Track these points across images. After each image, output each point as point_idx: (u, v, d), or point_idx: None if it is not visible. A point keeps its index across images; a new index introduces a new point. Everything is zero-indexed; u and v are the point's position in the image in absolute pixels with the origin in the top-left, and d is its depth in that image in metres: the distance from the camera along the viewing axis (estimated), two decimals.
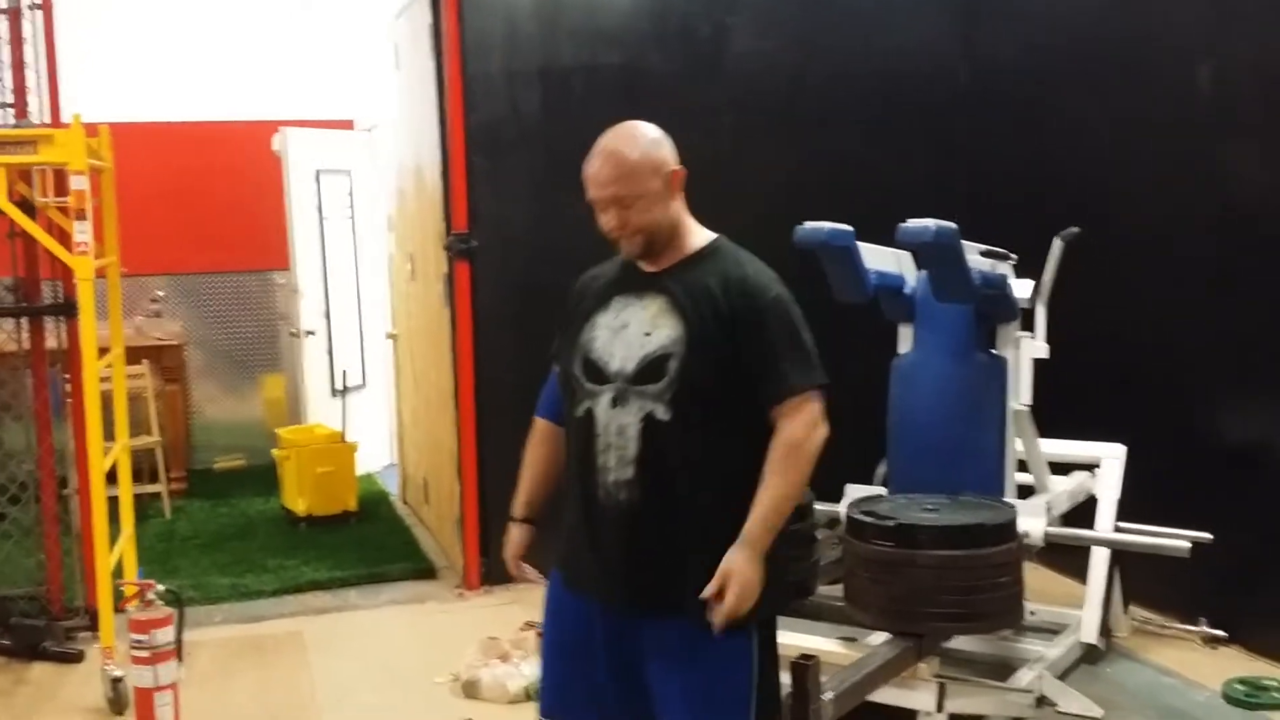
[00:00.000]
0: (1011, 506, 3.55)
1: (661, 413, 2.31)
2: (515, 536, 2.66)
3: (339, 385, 7.34)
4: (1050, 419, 4.18)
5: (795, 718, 2.62)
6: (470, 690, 4.07)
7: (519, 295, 5.22)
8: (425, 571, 5.59)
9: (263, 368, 7.84)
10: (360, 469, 6.75)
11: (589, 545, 2.42)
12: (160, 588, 3.84)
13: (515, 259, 5.22)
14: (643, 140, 2.37)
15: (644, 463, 2.32)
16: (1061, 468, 4.40)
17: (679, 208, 2.42)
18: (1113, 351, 4.75)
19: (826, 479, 3.77)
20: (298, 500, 6.35)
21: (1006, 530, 3.29)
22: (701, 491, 2.34)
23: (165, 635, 3.66)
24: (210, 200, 7.50)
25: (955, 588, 3.19)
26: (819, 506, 3.62)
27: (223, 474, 7.56)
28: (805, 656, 2.65)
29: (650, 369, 2.32)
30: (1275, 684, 3.92)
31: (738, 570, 2.25)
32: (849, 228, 3.78)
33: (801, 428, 2.32)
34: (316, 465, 6.34)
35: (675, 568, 2.34)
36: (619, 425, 2.34)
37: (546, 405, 2.66)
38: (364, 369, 7.91)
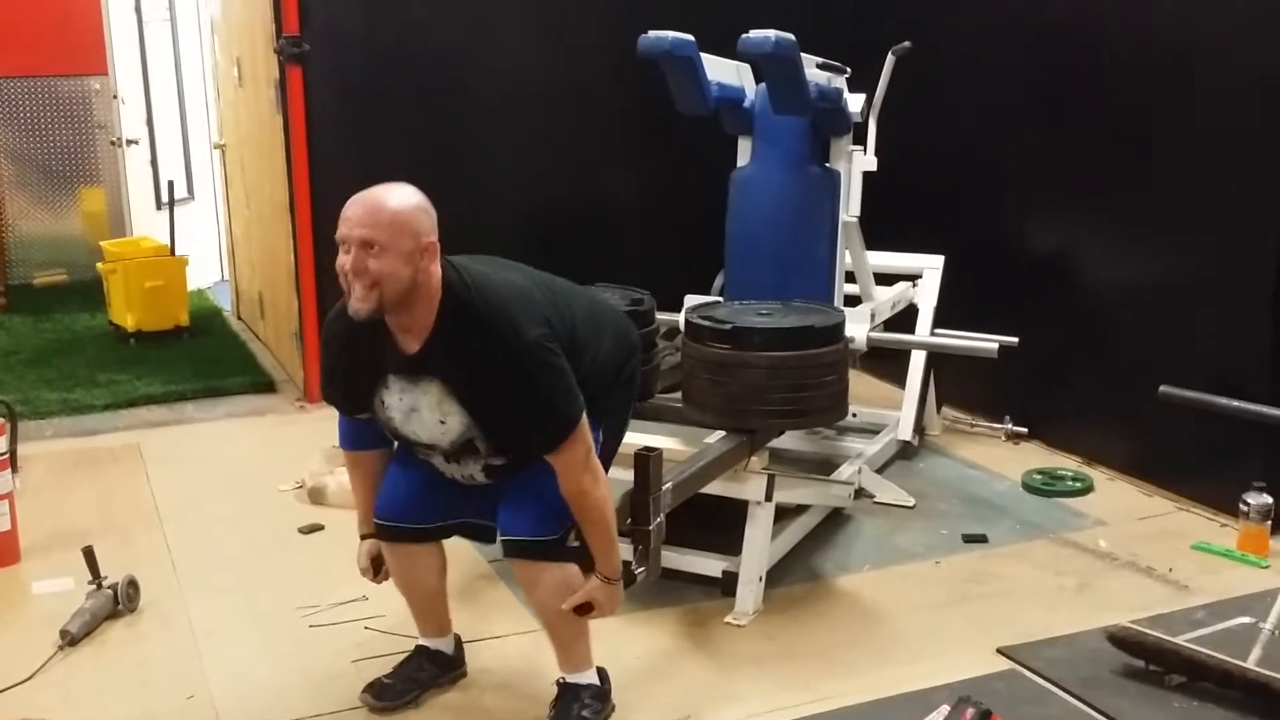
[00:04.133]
0: (839, 311, 3.73)
1: (496, 460, 2.56)
2: (367, 549, 2.80)
3: (164, 198, 7.07)
4: (876, 232, 4.35)
5: (636, 506, 2.76)
6: (316, 497, 4.13)
7: (355, 101, 5.11)
8: (264, 385, 5.56)
9: (81, 179, 7.47)
10: (191, 285, 6.59)
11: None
12: None
13: (349, 63, 5.08)
14: (408, 202, 2.36)
15: (494, 479, 2.61)
16: (886, 279, 4.62)
17: (426, 273, 2.37)
18: (934, 167, 4.95)
19: (667, 290, 3.91)
20: (126, 315, 6.19)
21: (833, 333, 3.46)
22: None
23: None
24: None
25: (785, 386, 3.35)
26: (660, 316, 3.73)
27: (44, 289, 7.28)
28: (647, 449, 2.79)
29: (464, 448, 2.53)
30: (1069, 474, 4.29)
31: (600, 597, 2.59)
32: (690, 38, 3.81)
33: (573, 479, 2.48)
34: (145, 279, 6.17)
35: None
36: (464, 474, 2.61)
37: (350, 439, 2.74)
38: (190, 181, 7.63)
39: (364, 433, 2.70)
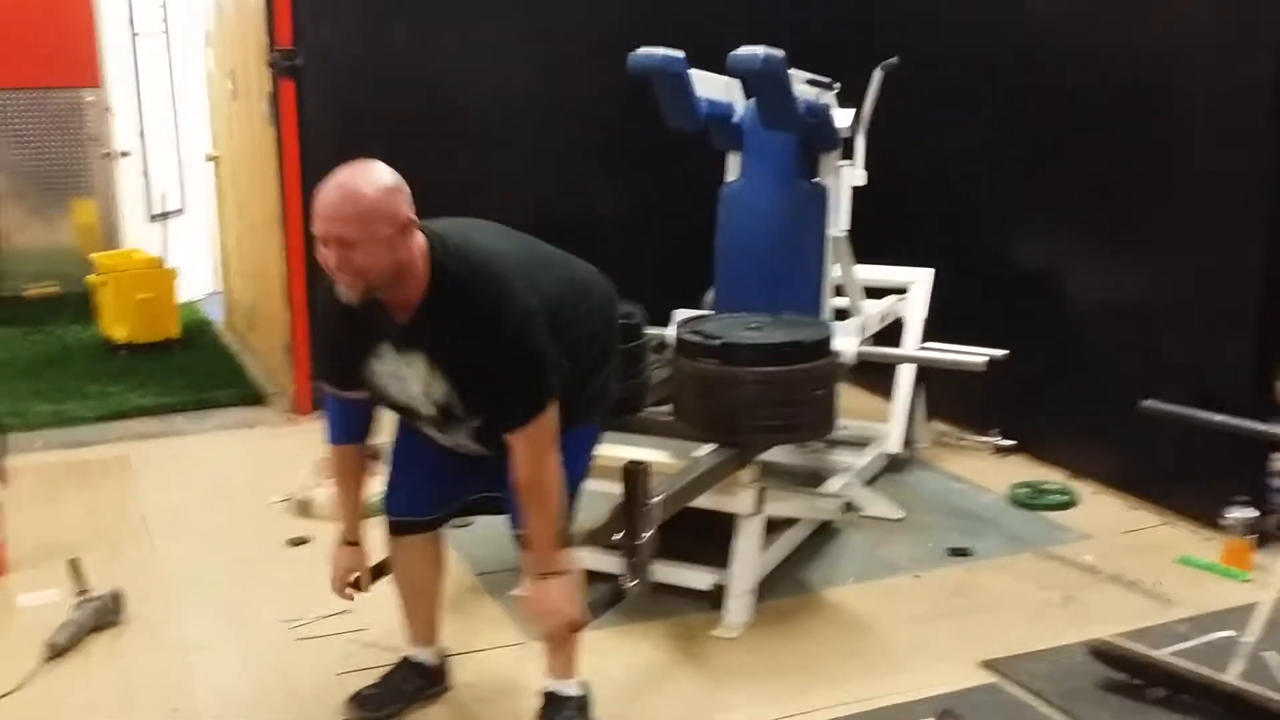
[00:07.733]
0: (827, 326, 3.75)
1: (480, 424, 2.55)
2: (345, 560, 2.79)
3: (157, 209, 7.09)
4: (865, 245, 4.37)
5: (627, 518, 2.76)
6: (305, 510, 4.13)
7: (347, 114, 5.11)
8: (254, 397, 5.56)
9: (73, 191, 7.46)
10: (182, 297, 6.59)
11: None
12: None
13: (342, 77, 5.10)
14: (380, 185, 2.34)
15: (486, 445, 2.61)
16: (875, 292, 4.63)
17: (408, 251, 2.37)
18: (922, 182, 4.97)
19: (658, 304, 3.92)
20: (117, 327, 6.19)
21: (822, 347, 3.47)
22: None
23: None
24: (8, 10, 6.99)
25: (774, 401, 3.36)
26: (650, 330, 3.74)
27: (35, 301, 7.25)
28: (635, 462, 2.79)
29: (447, 413, 2.54)
30: (1055, 487, 4.31)
31: (545, 599, 2.53)
32: (680, 54, 3.83)
33: (529, 466, 2.47)
34: (136, 291, 6.17)
35: None
36: (454, 441, 2.63)
37: (338, 431, 2.71)
38: (183, 193, 7.64)
39: (352, 421, 2.68)
